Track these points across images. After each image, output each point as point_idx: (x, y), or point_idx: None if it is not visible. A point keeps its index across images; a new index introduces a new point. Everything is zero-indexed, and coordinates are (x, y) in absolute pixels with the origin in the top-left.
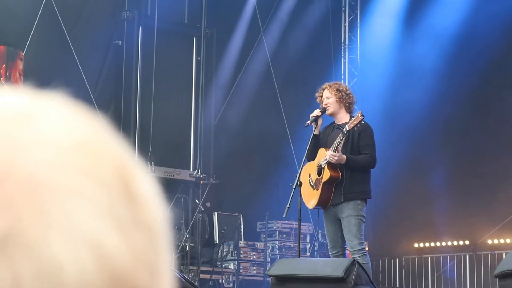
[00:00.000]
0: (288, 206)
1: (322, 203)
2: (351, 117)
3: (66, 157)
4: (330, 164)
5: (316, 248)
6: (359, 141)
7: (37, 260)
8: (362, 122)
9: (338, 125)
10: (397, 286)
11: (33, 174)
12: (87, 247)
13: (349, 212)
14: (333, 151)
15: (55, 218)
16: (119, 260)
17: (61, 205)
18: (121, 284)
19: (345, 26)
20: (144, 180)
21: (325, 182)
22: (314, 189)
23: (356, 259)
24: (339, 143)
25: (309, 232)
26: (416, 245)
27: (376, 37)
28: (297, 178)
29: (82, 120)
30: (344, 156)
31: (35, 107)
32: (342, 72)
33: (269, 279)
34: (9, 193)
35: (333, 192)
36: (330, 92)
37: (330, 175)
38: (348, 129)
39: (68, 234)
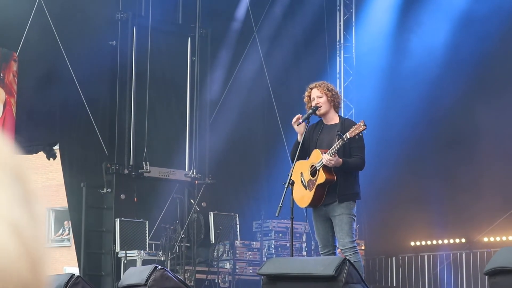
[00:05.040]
0: (280, 205)
1: (314, 203)
2: (340, 117)
3: None
4: (325, 167)
5: (312, 247)
6: (350, 143)
7: None
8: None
9: (327, 125)
10: (394, 285)
11: None
12: (9, 230)
13: (341, 211)
14: (331, 156)
15: None
16: (31, 243)
17: None
18: (33, 266)
19: (340, 25)
20: (32, 181)
21: (319, 184)
22: (306, 189)
23: (348, 257)
24: (337, 149)
25: (305, 231)
26: (412, 244)
27: (371, 36)
28: (289, 177)
29: None
30: (341, 160)
31: None
32: (338, 71)
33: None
34: None
35: (326, 193)
36: (320, 91)
37: (326, 178)
38: (348, 137)
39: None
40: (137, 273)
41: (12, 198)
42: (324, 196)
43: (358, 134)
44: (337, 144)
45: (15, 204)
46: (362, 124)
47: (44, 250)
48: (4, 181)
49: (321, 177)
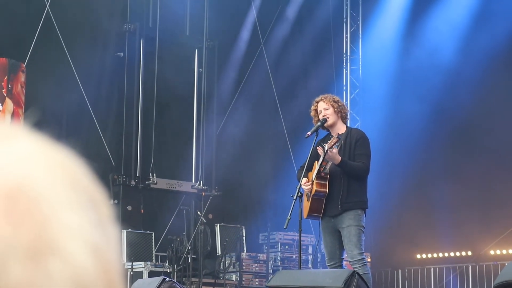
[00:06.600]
0: (288, 217)
1: (312, 214)
2: (347, 127)
3: (55, 174)
4: (318, 179)
5: (318, 260)
6: (355, 149)
7: (67, 264)
8: (356, 133)
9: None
10: None
11: (37, 190)
12: (93, 252)
13: (349, 222)
14: (318, 173)
15: (70, 227)
16: (108, 265)
17: (69, 215)
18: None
19: (346, 37)
20: (107, 205)
21: (313, 195)
22: (307, 200)
23: (356, 269)
24: (322, 160)
25: (311, 243)
26: (418, 256)
27: (377, 48)
28: (297, 189)
29: (47, 142)
30: (339, 157)
31: (13, 131)
32: (344, 83)
33: None
34: (25, 208)
35: (328, 203)
36: (326, 103)
37: (316, 190)
38: (327, 149)
39: (82, 240)
40: (145, 285)
41: (91, 221)
42: (324, 206)
43: (333, 145)
44: (320, 158)
45: (94, 228)
46: (335, 137)
47: (119, 272)
48: (84, 205)
49: (313, 189)
